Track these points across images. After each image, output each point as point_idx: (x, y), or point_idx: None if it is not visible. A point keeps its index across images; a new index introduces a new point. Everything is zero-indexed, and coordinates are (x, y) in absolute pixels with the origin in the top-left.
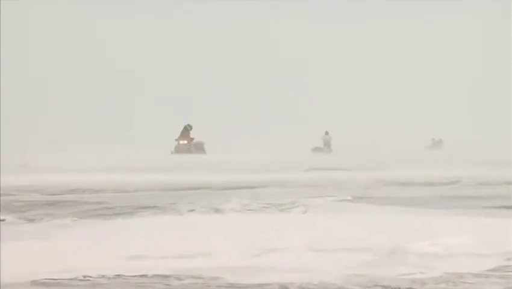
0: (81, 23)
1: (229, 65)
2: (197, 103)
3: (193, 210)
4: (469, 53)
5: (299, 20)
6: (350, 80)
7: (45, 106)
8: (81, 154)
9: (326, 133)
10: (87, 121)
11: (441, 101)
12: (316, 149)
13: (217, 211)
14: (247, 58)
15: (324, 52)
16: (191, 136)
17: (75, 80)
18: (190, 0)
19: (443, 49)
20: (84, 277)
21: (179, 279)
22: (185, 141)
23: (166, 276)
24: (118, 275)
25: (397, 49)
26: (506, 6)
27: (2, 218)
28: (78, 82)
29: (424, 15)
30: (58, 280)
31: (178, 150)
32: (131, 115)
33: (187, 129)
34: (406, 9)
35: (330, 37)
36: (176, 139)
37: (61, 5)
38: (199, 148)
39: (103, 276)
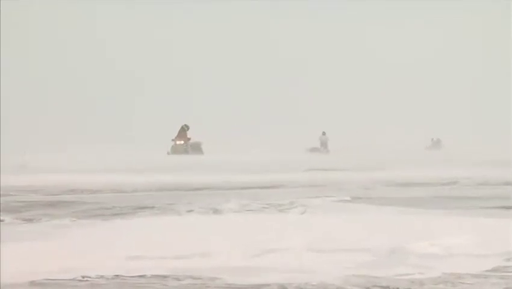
0: (81, 23)
1: (229, 65)
2: (197, 103)
3: (191, 210)
4: (469, 53)
5: (299, 20)
6: (349, 80)
7: (45, 106)
8: (80, 154)
9: (323, 133)
10: (87, 121)
11: (441, 101)
12: (313, 150)
13: (216, 211)
14: (247, 58)
15: (324, 52)
16: (188, 136)
17: (75, 80)
18: (190, 0)
19: (443, 49)
20: (83, 277)
21: (177, 279)
22: (182, 142)
23: (165, 277)
24: (117, 275)
25: (397, 49)
26: (506, 6)
27: (1, 218)
28: (78, 82)
29: (424, 15)
30: (57, 281)
31: (175, 150)
32: (130, 115)
33: (184, 129)
34: (406, 9)
35: (330, 37)
36: (173, 140)
37: (61, 5)
38: (196, 148)
39: (102, 276)
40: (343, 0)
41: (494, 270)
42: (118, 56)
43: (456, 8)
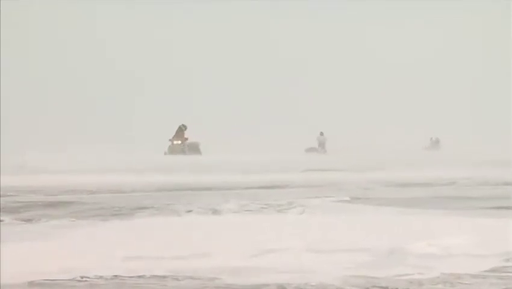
0: (81, 23)
1: (229, 65)
2: (196, 103)
3: (190, 211)
4: (469, 53)
5: (299, 20)
6: (349, 80)
7: (45, 106)
8: (80, 154)
9: (321, 134)
10: (87, 121)
11: (441, 101)
12: (310, 150)
13: (215, 211)
14: (247, 58)
15: (324, 52)
16: (186, 136)
17: (75, 80)
18: (190, 0)
19: (443, 49)
20: (82, 277)
21: (177, 279)
22: (179, 141)
23: (164, 277)
24: (115, 276)
25: (397, 49)
26: (506, 6)
27: (0, 219)
28: (78, 82)
29: (424, 15)
30: (56, 281)
31: (172, 150)
32: (130, 115)
33: (181, 129)
34: (406, 9)
35: (330, 37)
36: (170, 140)
37: (61, 5)
38: (194, 148)
39: (100, 277)
40: (343, 0)
41: (493, 270)
42: (118, 56)
43: (456, 8)
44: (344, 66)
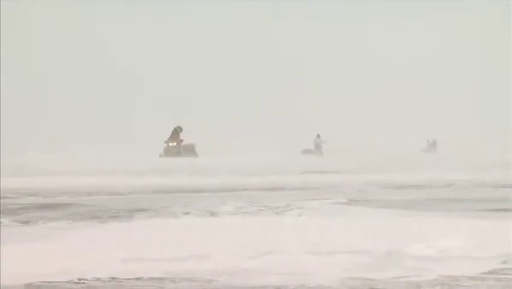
0: (81, 23)
1: (229, 65)
2: (196, 103)
3: (188, 213)
4: (469, 53)
5: (299, 20)
6: (348, 81)
7: (45, 106)
8: (80, 154)
9: (318, 136)
10: (87, 121)
11: (441, 102)
12: (306, 152)
13: (213, 213)
14: (247, 58)
15: (323, 52)
16: (181, 138)
17: (75, 80)
18: (190, 0)
19: (443, 49)
20: (79, 280)
21: (174, 281)
22: (175, 143)
23: (161, 279)
24: (113, 278)
25: (397, 49)
26: (506, 6)
27: (0, 221)
28: (78, 82)
29: (424, 15)
30: (53, 283)
31: (167, 152)
32: (130, 116)
33: (177, 131)
34: (406, 9)
35: (330, 37)
36: (166, 142)
37: (61, 5)
38: (189, 150)
39: (98, 279)
40: (343, 0)
41: (490, 272)
42: (118, 56)
43: (456, 8)
44: (344, 66)
